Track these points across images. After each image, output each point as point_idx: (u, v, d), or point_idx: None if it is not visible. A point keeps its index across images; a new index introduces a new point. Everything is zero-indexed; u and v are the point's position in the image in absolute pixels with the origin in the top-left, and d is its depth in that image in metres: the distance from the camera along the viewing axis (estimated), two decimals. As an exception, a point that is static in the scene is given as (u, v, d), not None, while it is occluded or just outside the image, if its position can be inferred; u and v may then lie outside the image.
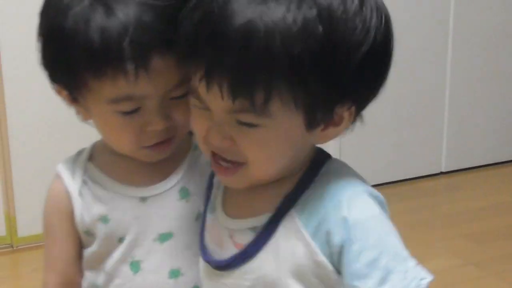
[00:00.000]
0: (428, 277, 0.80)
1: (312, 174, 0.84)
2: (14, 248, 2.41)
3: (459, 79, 3.09)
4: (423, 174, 3.09)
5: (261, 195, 0.85)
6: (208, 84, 0.75)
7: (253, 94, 0.73)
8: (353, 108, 0.80)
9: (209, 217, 0.93)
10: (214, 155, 0.83)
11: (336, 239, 0.78)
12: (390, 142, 2.99)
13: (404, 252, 0.80)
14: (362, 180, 0.84)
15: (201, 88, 0.76)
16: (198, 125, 0.83)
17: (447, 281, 2.14)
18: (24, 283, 2.27)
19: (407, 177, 3.05)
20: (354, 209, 0.79)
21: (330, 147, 3.02)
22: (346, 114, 0.80)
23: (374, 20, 0.77)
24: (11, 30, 2.29)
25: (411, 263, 0.79)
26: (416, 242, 2.44)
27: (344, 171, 0.85)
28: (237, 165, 0.81)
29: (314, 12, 0.72)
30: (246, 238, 0.85)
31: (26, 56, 2.31)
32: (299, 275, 0.81)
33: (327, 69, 0.73)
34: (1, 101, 2.31)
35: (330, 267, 0.80)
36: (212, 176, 0.95)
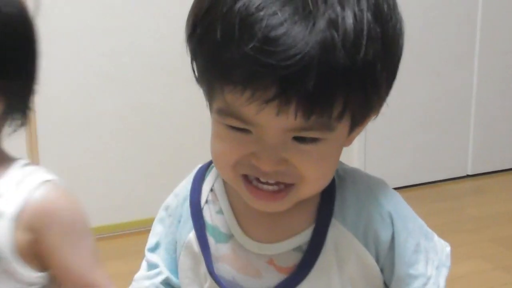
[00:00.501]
0: (448, 244, 0.86)
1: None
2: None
3: (486, 81, 3.07)
4: (449, 177, 3.08)
5: (292, 212, 0.80)
6: (283, 105, 0.67)
7: (331, 110, 0.68)
8: (380, 108, 0.78)
9: (221, 247, 0.84)
10: (248, 180, 0.76)
11: (385, 235, 0.80)
12: (416, 145, 2.98)
13: (428, 229, 0.84)
14: (362, 170, 0.86)
15: (266, 110, 0.68)
16: (231, 150, 0.74)
17: (475, 285, 2.13)
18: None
19: (433, 180, 3.04)
20: (391, 202, 0.81)
21: (355, 149, 3.01)
22: (372, 114, 0.78)
23: (402, 20, 0.75)
24: (41, 28, 2.32)
25: (435, 237, 0.85)
26: (442, 245, 2.43)
27: (351, 168, 0.85)
28: (284, 186, 0.75)
29: (370, 13, 0.69)
30: (291, 260, 0.81)
31: (55, 54, 2.35)
32: (352, 285, 0.81)
33: (388, 69, 0.72)
34: (31, 100, 2.34)
35: (377, 268, 0.81)
36: (196, 203, 0.86)
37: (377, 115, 0.79)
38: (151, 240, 0.90)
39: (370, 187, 0.82)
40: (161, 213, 0.90)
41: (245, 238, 0.82)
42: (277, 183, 0.75)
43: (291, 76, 0.66)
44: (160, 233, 0.89)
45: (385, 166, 2.91)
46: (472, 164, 3.12)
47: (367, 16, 0.68)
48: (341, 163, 0.83)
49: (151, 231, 0.91)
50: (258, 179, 0.75)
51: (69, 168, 2.44)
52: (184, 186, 0.89)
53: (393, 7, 0.73)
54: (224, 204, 0.84)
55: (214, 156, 0.77)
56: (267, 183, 0.75)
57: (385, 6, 0.71)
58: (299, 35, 0.66)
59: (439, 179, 3.05)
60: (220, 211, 0.84)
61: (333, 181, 0.80)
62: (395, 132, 2.88)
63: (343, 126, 0.73)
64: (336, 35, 0.66)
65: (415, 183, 2.98)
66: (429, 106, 2.96)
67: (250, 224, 0.83)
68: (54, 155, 2.41)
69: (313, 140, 0.72)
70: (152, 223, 0.91)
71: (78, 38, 2.37)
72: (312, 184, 0.75)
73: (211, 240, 0.84)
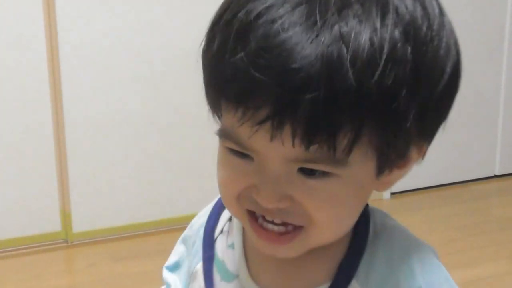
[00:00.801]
0: None
1: (362, 232, 0.69)
2: (69, 244, 2.46)
3: (514, 81, 3.04)
4: (476, 177, 3.06)
5: (308, 262, 0.69)
6: (276, 129, 0.57)
7: (335, 139, 0.57)
8: (424, 146, 0.66)
9: (224, 286, 0.74)
10: (254, 218, 0.65)
11: None
12: (443, 145, 2.96)
13: None
14: (408, 230, 0.72)
15: (260, 134, 0.59)
16: (232, 180, 0.64)
17: (501, 286, 2.11)
18: (79, 278, 2.32)
19: (460, 180, 3.02)
20: (428, 276, 0.67)
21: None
22: (414, 155, 0.66)
23: (452, 44, 0.64)
24: (69, 29, 2.34)
25: None
26: (468, 245, 2.42)
27: (393, 224, 0.72)
28: (293, 229, 0.64)
29: (399, 30, 0.58)
30: None
31: (84, 54, 2.37)
32: None
33: (419, 99, 0.60)
34: (59, 97, 2.36)
35: None
36: (210, 232, 0.77)
37: (422, 158, 0.67)
38: (171, 258, 0.83)
39: (407, 251, 0.68)
40: (186, 232, 0.82)
41: (250, 282, 0.72)
42: (284, 224, 0.63)
43: (285, 95, 0.56)
44: (182, 252, 0.82)
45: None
46: (499, 164, 3.10)
47: (392, 33, 0.57)
48: (385, 215, 0.72)
49: (174, 249, 0.83)
50: (264, 217, 0.64)
51: (96, 168, 2.46)
52: (207, 210, 0.80)
53: (439, 28, 0.61)
54: (237, 238, 0.74)
55: (218, 185, 0.67)
56: (272, 222, 0.64)
57: (425, 25, 0.60)
58: (297, 47, 0.56)
59: (466, 179, 3.03)
60: (232, 246, 0.74)
61: (365, 235, 0.69)
62: (422, 132, 2.86)
63: (363, 163, 0.61)
64: (344, 51, 0.55)
65: (442, 183, 2.97)
66: (457, 106, 2.92)
67: (259, 267, 0.72)
68: (81, 155, 2.43)
69: (323, 174, 0.60)
70: (179, 222, 0.88)
71: (107, 37, 2.38)
72: (323, 229, 0.63)
73: (216, 277, 0.74)
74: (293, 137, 0.57)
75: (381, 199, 2.83)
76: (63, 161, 2.41)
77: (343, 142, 0.58)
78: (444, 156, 2.97)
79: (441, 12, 0.63)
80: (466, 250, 2.37)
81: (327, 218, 0.62)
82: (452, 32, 0.64)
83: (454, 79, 0.64)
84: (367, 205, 0.70)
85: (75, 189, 2.44)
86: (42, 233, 2.43)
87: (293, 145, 0.58)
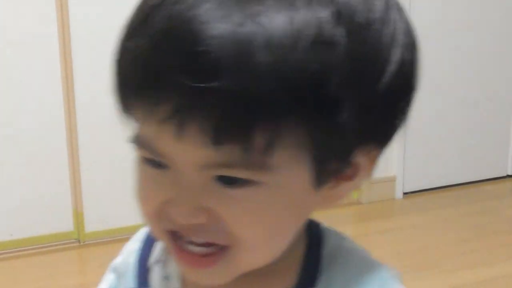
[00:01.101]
0: None
1: (314, 257, 0.61)
2: (81, 243, 2.47)
3: (527, 80, 3.03)
4: (489, 177, 3.05)
5: None
6: (180, 126, 0.49)
7: (249, 137, 0.49)
8: (373, 153, 0.57)
9: None
10: (175, 237, 0.56)
11: None
12: (455, 145, 2.95)
13: None
14: (368, 253, 0.64)
15: (165, 133, 0.51)
16: (148, 195, 0.56)
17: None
18: (91, 278, 2.33)
19: (472, 180, 3.01)
20: None
21: (395, 149, 2.99)
22: (363, 162, 0.56)
23: (400, 32, 0.55)
24: (82, 26, 2.35)
25: None
26: (480, 245, 2.41)
27: (350, 247, 0.63)
28: (219, 250, 0.54)
29: (330, 10, 0.50)
30: None
31: (97, 52, 2.38)
32: None
33: (353, 92, 0.51)
34: (71, 97, 2.37)
35: None
36: (143, 260, 0.67)
37: (370, 169, 0.57)
38: (101, 286, 0.73)
39: (366, 276, 0.60)
40: (118, 259, 0.72)
41: None
42: (207, 244, 0.54)
43: (188, 84, 0.48)
44: (111, 281, 0.71)
45: (424, 166, 2.89)
46: (512, 164, 3.09)
47: (319, 13, 0.49)
48: (342, 238, 0.63)
49: (105, 277, 0.73)
50: (186, 238, 0.55)
51: (109, 167, 2.47)
52: (141, 234, 0.70)
53: (382, 11, 0.53)
54: (173, 267, 0.64)
55: (138, 204, 0.59)
56: (192, 243, 0.55)
57: (363, 7, 0.52)
58: (204, 27, 0.48)
59: (478, 179, 3.03)
60: (168, 277, 0.65)
61: (317, 260, 0.60)
62: (435, 132, 2.86)
63: (294, 169, 0.52)
64: (258, 30, 0.48)
65: (454, 183, 2.96)
66: (469, 106, 2.93)
67: None
68: (94, 154, 2.44)
69: (245, 183, 0.51)
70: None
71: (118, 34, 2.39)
72: (252, 249, 0.54)
73: None
74: (200, 135, 0.49)
75: (393, 199, 2.82)
76: (75, 161, 2.42)
77: (260, 140, 0.49)
78: (456, 156, 2.97)
79: None
80: (478, 250, 2.36)
81: (254, 235, 0.53)
82: (402, 18, 0.55)
83: (405, 71, 0.55)
84: (319, 225, 0.62)
85: (87, 189, 2.45)
86: (54, 232, 2.44)
87: (201, 146, 0.49)
